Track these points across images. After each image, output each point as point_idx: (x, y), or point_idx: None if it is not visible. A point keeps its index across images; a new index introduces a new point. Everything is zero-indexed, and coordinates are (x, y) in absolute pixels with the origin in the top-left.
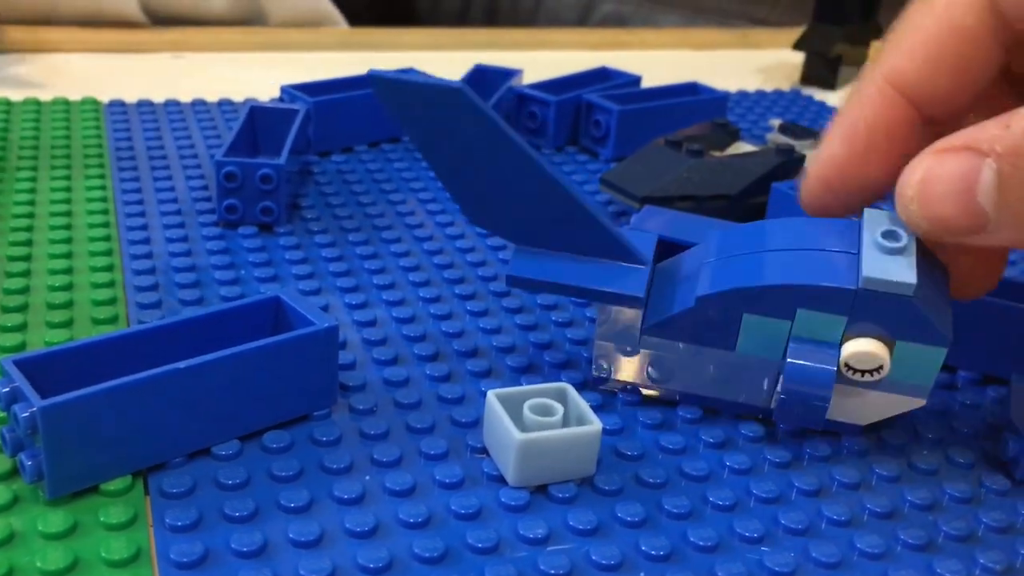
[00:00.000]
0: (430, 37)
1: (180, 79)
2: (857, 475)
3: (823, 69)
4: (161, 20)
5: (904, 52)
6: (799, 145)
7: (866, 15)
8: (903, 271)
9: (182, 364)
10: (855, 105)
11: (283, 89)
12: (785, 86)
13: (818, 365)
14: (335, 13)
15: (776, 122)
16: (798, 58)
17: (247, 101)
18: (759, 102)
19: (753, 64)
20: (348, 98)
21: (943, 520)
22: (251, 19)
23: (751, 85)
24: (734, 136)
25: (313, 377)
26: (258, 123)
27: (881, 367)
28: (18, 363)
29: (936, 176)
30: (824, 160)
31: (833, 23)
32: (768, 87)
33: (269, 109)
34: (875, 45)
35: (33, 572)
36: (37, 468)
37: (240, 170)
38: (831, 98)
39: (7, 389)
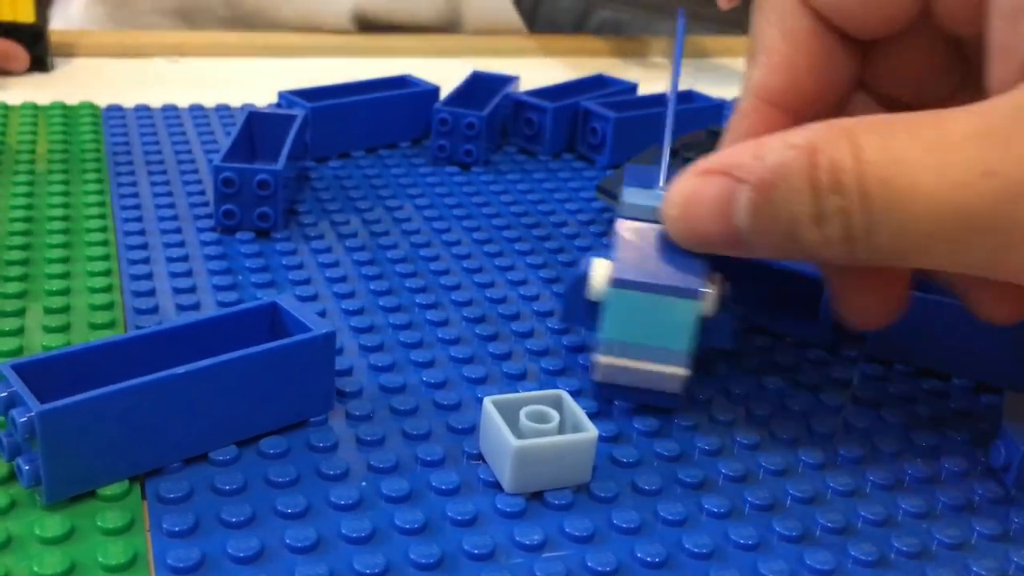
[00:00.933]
0: (428, 43)
1: (178, 84)
2: (852, 483)
3: None
4: (370, 28)
5: (763, 66)
6: None
7: None
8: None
9: (180, 369)
10: (739, 123)
11: (281, 95)
12: None
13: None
14: (520, 22)
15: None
16: None
17: (245, 106)
18: None
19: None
20: (346, 104)
21: (936, 528)
22: (450, 27)
23: None
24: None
25: (310, 383)
26: (256, 129)
27: None
28: (16, 367)
29: (698, 197)
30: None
31: None
32: None
33: (267, 115)
34: None
35: None
36: (35, 473)
37: (238, 176)
38: None
39: (5, 393)
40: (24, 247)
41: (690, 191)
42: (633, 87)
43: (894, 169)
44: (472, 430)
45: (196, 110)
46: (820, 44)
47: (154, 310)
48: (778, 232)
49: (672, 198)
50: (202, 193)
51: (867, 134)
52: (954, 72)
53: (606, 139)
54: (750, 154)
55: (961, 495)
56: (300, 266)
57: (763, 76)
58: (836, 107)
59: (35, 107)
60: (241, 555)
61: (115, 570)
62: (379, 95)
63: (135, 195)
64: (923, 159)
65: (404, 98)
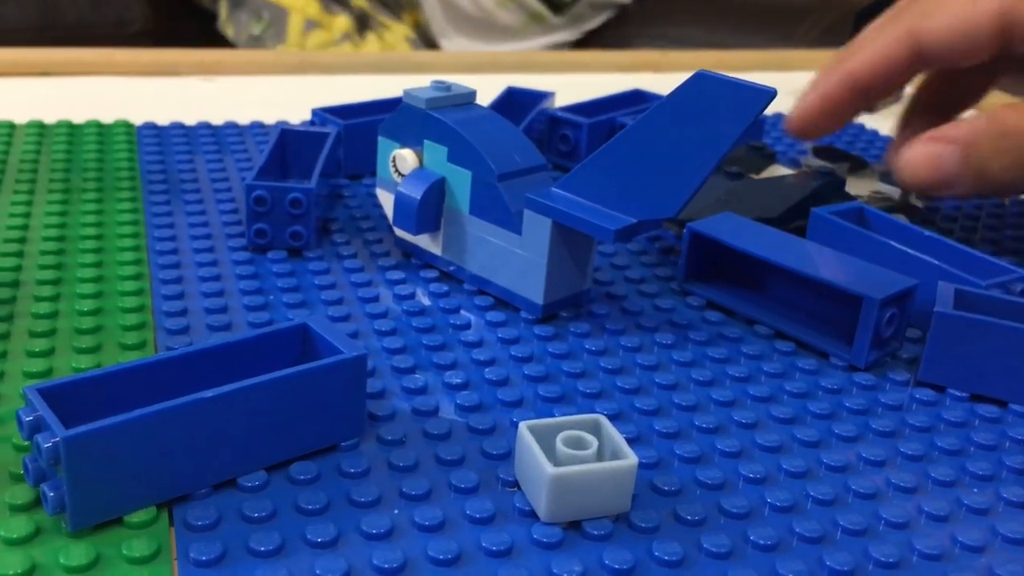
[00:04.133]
0: (462, 59)
1: (212, 102)
2: (904, 514)
3: None
4: None
5: (860, 63)
6: (837, 168)
7: None
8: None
9: (208, 393)
10: (826, 80)
11: (314, 112)
12: None
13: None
14: None
15: (811, 145)
16: None
17: (278, 124)
18: None
19: (789, 86)
20: (379, 121)
21: (996, 563)
22: None
23: (787, 107)
24: (770, 159)
25: (341, 406)
26: (288, 146)
27: None
28: (42, 391)
29: (917, 157)
30: (804, 106)
31: None
32: None
33: (300, 132)
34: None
35: None
36: (59, 500)
37: (270, 194)
38: (868, 120)
39: (30, 418)
40: (56, 266)
41: (911, 154)
42: None
43: None
44: (507, 455)
45: (230, 128)
46: (904, 65)
47: (185, 331)
48: (973, 170)
49: (902, 156)
50: (235, 211)
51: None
52: None
53: (578, 146)
54: (949, 128)
55: (1020, 527)
56: (332, 286)
57: (857, 67)
58: (885, 94)
59: (70, 124)
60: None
61: None
62: None
63: (168, 213)
64: None
65: None
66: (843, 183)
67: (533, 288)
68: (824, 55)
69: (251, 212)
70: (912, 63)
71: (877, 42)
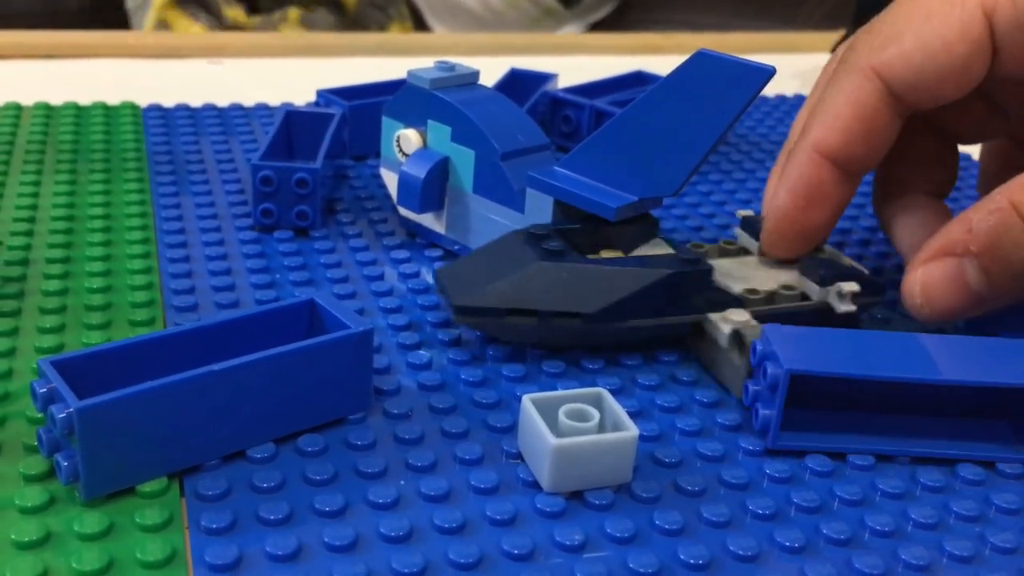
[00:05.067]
0: (464, 41)
1: (217, 84)
2: (902, 485)
3: None
4: None
5: (826, 126)
6: (754, 247)
7: None
8: None
9: (217, 366)
10: (794, 167)
11: (319, 93)
12: None
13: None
14: None
15: (744, 213)
16: None
17: (283, 106)
18: (798, 106)
19: (792, 68)
20: (384, 102)
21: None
22: None
23: (790, 89)
24: (650, 231)
25: (348, 381)
26: (294, 127)
27: None
28: (55, 364)
29: (932, 282)
30: (775, 213)
31: None
32: (807, 91)
33: (305, 113)
34: None
35: (68, 573)
36: (73, 469)
37: (276, 174)
38: None
39: (44, 390)
40: (65, 245)
41: (923, 279)
42: None
43: None
44: (511, 429)
45: (235, 109)
46: (880, 116)
47: (193, 308)
48: (1009, 278)
49: (910, 289)
50: (241, 192)
51: None
52: None
53: (580, 128)
54: (957, 232)
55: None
56: (338, 264)
57: (824, 134)
58: (876, 162)
59: (76, 106)
60: (279, 553)
61: (153, 567)
62: None
63: (175, 194)
64: None
65: None
66: (708, 274)
67: None
68: (828, 37)
69: (257, 192)
70: (892, 111)
71: (837, 99)
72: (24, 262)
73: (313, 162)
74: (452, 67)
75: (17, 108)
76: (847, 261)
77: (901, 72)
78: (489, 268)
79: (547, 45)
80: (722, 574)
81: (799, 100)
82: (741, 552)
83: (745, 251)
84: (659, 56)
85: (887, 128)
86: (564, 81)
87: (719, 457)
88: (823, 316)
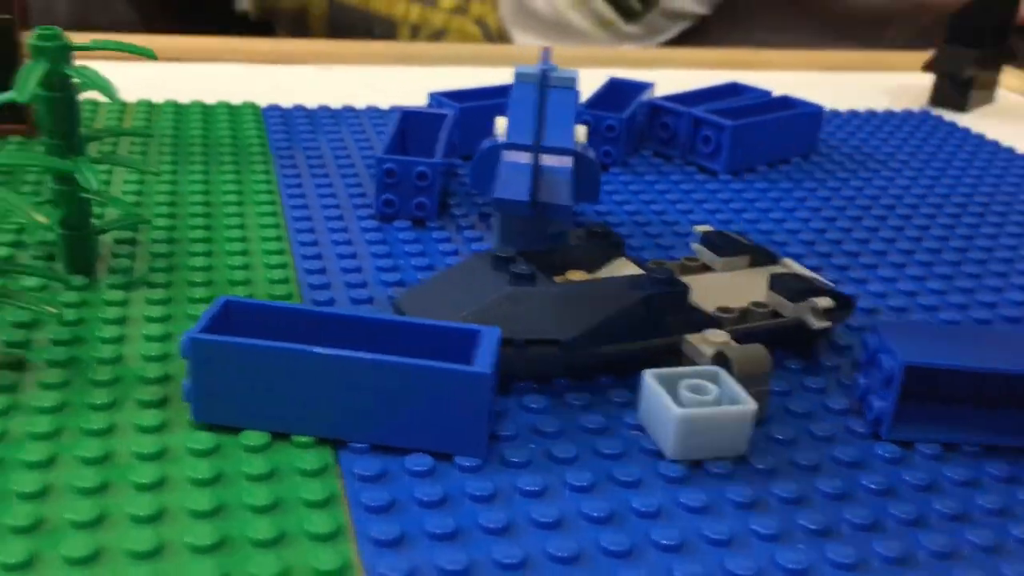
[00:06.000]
0: (561, 52)
1: (326, 88)
2: (1008, 470)
3: (954, 91)
4: None
5: None
6: (716, 263)
7: (999, 39)
8: None
9: (317, 349)
10: None
11: (431, 95)
12: (914, 107)
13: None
14: None
15: (702, 228)
16: (927, 80)
17: (393, 108)
18: (887, 121)
19: (881, 85)
20: (493, 105)
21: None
22: None
23: (880, 105)
24: (614, 250)
25: (458, 417)
26: (409, 127)
27: None
28: (229, 303)
29: None
30: None
31: (965, 46)
32: (897, 107)
33: (420, 113)
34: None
35: (241, 507)
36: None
37: (399, 167)
38: (961, 119)
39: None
40: (205, 227)
41: None
42: (767, 94)
43: None
44: (630, 404)
45: (348, 111)
46: None
47: (326, 286)
48: None
49: None
50: (358, 185)
51: None
52: None
53: (678, 135)
54: None
55: None
56: (455, 252)
57: None
58: None
59: (203, 105)
60: (438, 532)
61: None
62: None
63: (299, 184)
64: None
65: None
66: (685, 294)
67: None
68: (918, 56)
69: (381, 183)
70: None
71: None
72: (170, 241)
73: (431, 157)
74: (554, 68)
75: (148, 105)
76: (806, 272)
77: None
78: (454, 294)
79: (639, 59)
80: (840, 541)
81: (887, 115)
82: (857, 521)
83: (707, 267)
84: (749, 71)
85: None
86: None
87: (829, 437)
88: (797, 332)
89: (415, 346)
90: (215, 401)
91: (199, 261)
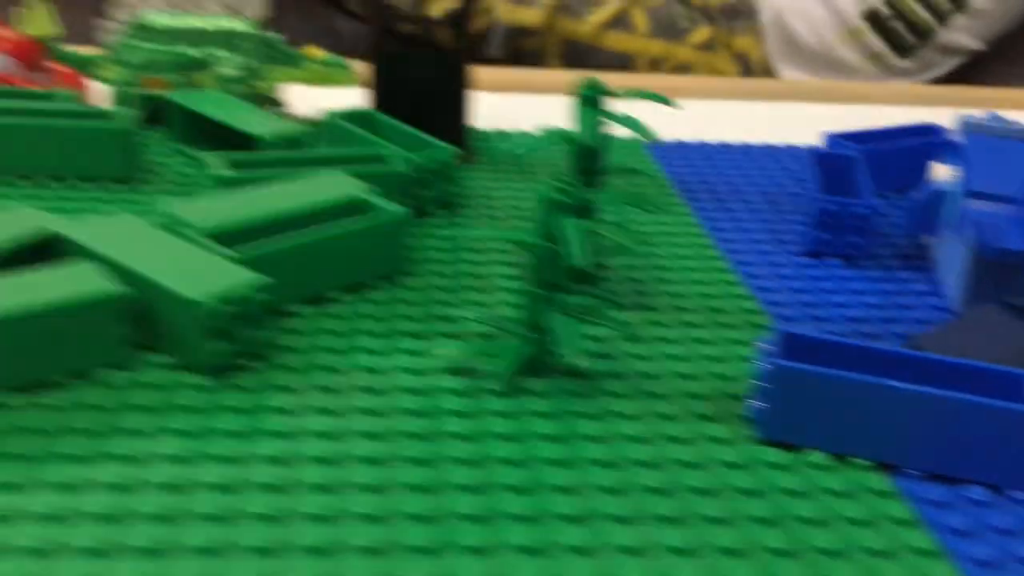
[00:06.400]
0: (897, 92)
1: (698, 123)
2: None
3: None
4: None
5: None
6: None
7: None
8: None
9: (887, 381)
10: None
11: (829, 137)
12: None
13: None
14: None
15: None
16: None
17: (790, 147)
18: None
19: None
20: (892, 148)
21: None
22: None
23: None
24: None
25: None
26: (821, 167)
27: None
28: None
29: None
30: None
31: None
32: None
33: (830, 155)
34: None
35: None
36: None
37: (838, 207)
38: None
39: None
40: (662, 256)
41: None
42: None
43: None
44: None
45: (741, 146)
46: None
47: (793, 319)
48: None
49: None
50: (768, 220)
51: None
52: None
53: None
54: None
55: None
56: (896, 292)
57: None
58: None
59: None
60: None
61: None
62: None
63: (716, 219)
64: None
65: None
66: None
67: None
68: None
69: (819, 222)
70: None
71: None
72: (634, 267)
73: (849, 197)
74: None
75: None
76: None
77: None
78: (975, 339)
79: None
80: None
81: None
82: None
83: None
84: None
85: None
86: None
87: None
88: None
89: (958, 383)
90: (783, 420)
91: (675, 288)
